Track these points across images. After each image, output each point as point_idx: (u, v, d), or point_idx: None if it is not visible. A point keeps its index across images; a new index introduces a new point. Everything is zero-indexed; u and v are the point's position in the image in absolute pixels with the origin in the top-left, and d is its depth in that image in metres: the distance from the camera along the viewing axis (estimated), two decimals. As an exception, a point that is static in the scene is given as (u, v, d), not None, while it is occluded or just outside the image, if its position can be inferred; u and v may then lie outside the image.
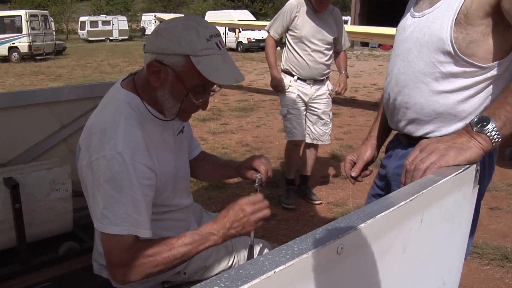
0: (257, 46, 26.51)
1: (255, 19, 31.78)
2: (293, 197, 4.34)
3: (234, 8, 41.81)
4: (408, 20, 1.58)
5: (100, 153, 1.36)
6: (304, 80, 4.03)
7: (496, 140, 1.19)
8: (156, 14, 38.60)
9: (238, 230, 1.42)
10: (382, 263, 0.89)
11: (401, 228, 0.93)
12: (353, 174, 1.72)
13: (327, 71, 4.07)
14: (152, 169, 1.43)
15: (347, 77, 4.28)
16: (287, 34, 4.03)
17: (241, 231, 1.43)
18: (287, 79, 4.06)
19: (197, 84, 1.42)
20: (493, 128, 1.19)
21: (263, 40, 25.90)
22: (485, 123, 1.20)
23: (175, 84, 1.42)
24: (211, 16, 29.42)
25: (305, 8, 3.89)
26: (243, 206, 1.41)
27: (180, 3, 64.54)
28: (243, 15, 29.93)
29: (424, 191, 0.97)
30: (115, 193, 1.33)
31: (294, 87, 4.04)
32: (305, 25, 3.88)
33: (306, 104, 4.12)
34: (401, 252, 0.96)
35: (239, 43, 26.97)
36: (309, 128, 4.20)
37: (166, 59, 1.39)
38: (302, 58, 3.93)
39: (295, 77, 4.03)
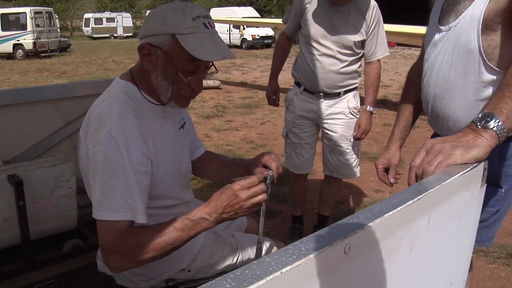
0: (261, 43, 26.51)
1: (259, 16, 31.72)
2: (297, 238, 2.92)
3: (239, 5, 41.73)
4: (436, 35, 1.65)
5: (96, 140, 1.37)
6: (311, 93, 3.06)
7: (503, 134, 1.19)
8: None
9: (231, 215, 1.37)
10: (390, 263, 0.88)
11: (409, 227, 0.92)
12: (392, 181, 1.83)
13: (345, 82, 3.00)
14: (147, 156, 1.43)
15: (372, 113, 3.06)
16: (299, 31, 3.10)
17: (234, 216, 1.39)
18: (292, 91, 3.17)
19: (186, 62, 1.43)
20: (498, 122, 1.19)
21: (267, 37, 26.24)
22: (488, 119, 1.20)
23: (165, 64, 1.44)
24: (216, 13, 29.39)
25: None
26: (236, 191, 1.35)
27: (185, 0, 64.37)
28: (247, 12, 29.85)
29: (431, 189, 0.95)
30: (110, 179, 1.34)
31: (298, 102, 3.11)
32: (314, 21, 2.89)
33: (317, 124, 3.17)
34: (409, 252, 0.95)
35: (244, 40, 26.92)
36: (326, 156, 3.25)
37: (154, 40, 1.42)
38: (308, 64, 2.97)
39: (302, 88, 3.10)
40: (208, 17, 1.45)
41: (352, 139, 3.11)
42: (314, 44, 2.92)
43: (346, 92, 3.04)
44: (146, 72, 1.49)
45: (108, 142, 1.35)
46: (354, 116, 3.09)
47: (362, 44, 2.96)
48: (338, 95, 3.03)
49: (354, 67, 3.00)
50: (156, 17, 1.43)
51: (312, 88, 3.03)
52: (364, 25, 2.88)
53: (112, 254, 1.34)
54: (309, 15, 2.91)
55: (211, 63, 1.51)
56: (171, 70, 1.45)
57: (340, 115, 3.06)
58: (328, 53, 2.90)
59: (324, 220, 3.54)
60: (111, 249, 1.34)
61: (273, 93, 3.28)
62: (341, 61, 2.92)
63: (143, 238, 1.33)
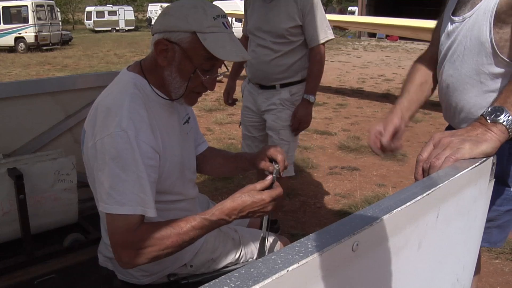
0: (263, 37, 26.43)
1: (261, 9, 31.56)
2: None
3: (241, -2, 41.59)
4: (449, 26, 1.62)
5: (105, 132, 1.34)
6: (254, 84, 3.08)
7: None
8: (163, 4, 38.52)
9: (250, 216, 1.40)
10: (397, 259, 0.86)
11: (417, 223, 0.90)
12: (384, 140, 1.55)
13: (280, 75, 2.90)
14: (156, 150, 1.42)
15: (312, 103, 2.90)
16: None
17: (252, 216, 1.41)
18: (244, 82, 3.21)
19: (204, 61, 1.42)
20: (508, 116, 1.17)
21: (269, 31, 26.06)
22: (498, 113, 1.17)
23: (183, 61, 1.43)
24: (217, 7, 29.24)
25: None
26: (264, 196, 1.37)
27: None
28: (249, 6, 29.75)
29: (440, 185, 0.93)
30: (121, 172, 1.31)
31: (245, 93, 3.17)
32: (252, 14, 2.96)
33: (259, 116, 3.10)
34: (417, 248, 0.92)
35: (246, 33, 26.87)
36: None
37: (173, 37, 1.41)
38: (250, 56, 2.83)
39: (247, 79, 3.15)
40: (226, 16, 1.46)
41: (280, 132, 2.96)
42: (251, 37, 2.97)
43: (283, 86, 2.94)
44: (160, 67, 1.47)
45: (118, 134, 1.33)
46: (285, 107, 2.94)
47: (301, 31, 2.84)
48: (273, 87, 2.95)
49: (291, 59, 2.89)
50: (176, 13, 1.41)
51: (252, 79, 3.06)
52: (296, 10, 2.76)
53: (125, 250, 1.32)
54: (250, 10, 3.00)
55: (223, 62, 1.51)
56: (188, 67, 1.44)
57: (272, 106, 2.98)
58: (262, 44, 2.88)
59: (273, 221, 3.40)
60: (124, 244, 1.32)
61: (226, 92, 3.32)
62: (275, 51, 2.85)
63: (160, 235, 1.32)
